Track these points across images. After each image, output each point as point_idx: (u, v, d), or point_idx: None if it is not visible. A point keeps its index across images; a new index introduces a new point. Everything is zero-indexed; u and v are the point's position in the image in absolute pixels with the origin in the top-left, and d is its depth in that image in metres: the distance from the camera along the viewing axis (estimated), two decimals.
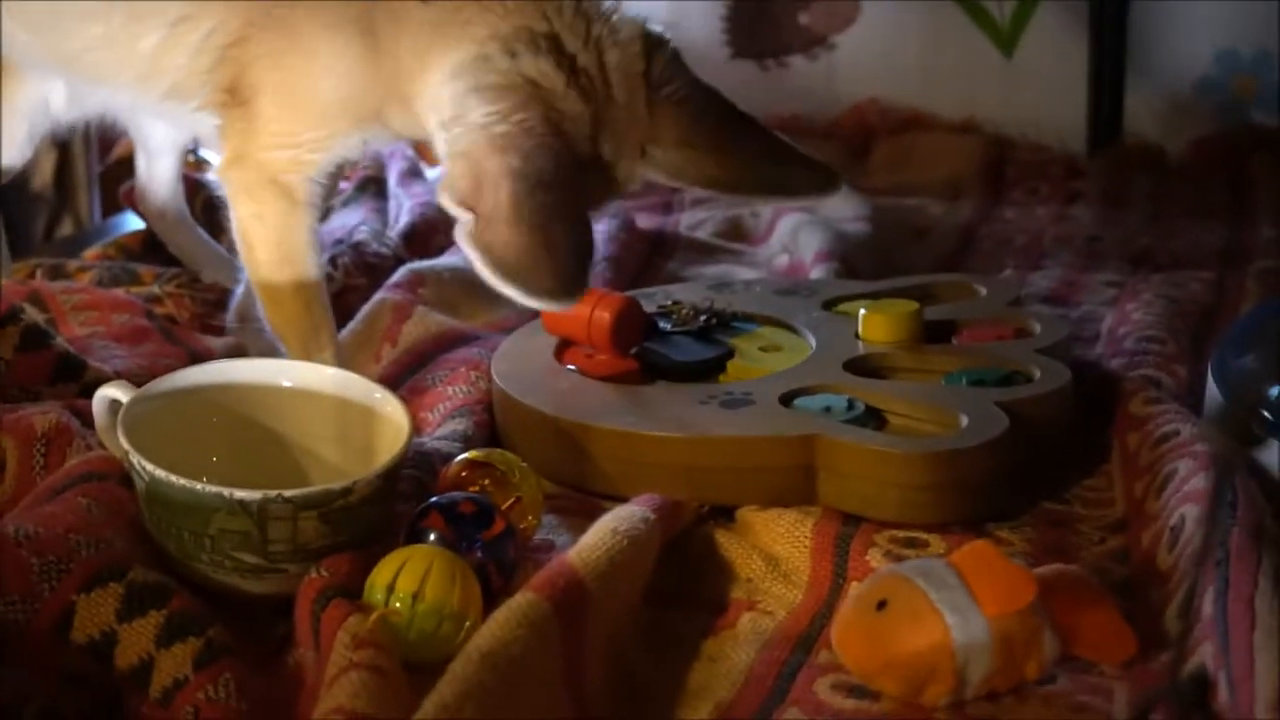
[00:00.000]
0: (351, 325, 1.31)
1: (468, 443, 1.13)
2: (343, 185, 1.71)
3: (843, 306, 1.29)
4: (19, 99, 1.32)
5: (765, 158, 1.16)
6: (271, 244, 1.18)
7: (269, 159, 1.16)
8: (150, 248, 1.53)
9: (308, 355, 1.17)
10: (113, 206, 1.79)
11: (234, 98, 1.16)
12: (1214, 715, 0.79)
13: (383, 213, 1.62)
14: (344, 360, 1.19)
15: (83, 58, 1.23)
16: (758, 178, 1.17)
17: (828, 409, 1.11)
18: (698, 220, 1.72)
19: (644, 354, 1.21)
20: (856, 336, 1.23)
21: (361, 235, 1.52)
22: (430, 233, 1.55)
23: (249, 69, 1.15)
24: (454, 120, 1.09)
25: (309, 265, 1.19)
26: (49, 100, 1.34)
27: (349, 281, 1.43)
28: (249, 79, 1.15)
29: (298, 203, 1.17)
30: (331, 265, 1.44)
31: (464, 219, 1.05)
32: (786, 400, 1.13)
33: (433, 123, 1.11)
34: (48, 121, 1.36)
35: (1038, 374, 1.16)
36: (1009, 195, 1.85)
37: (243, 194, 1.18)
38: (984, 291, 1.33)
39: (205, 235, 1.48)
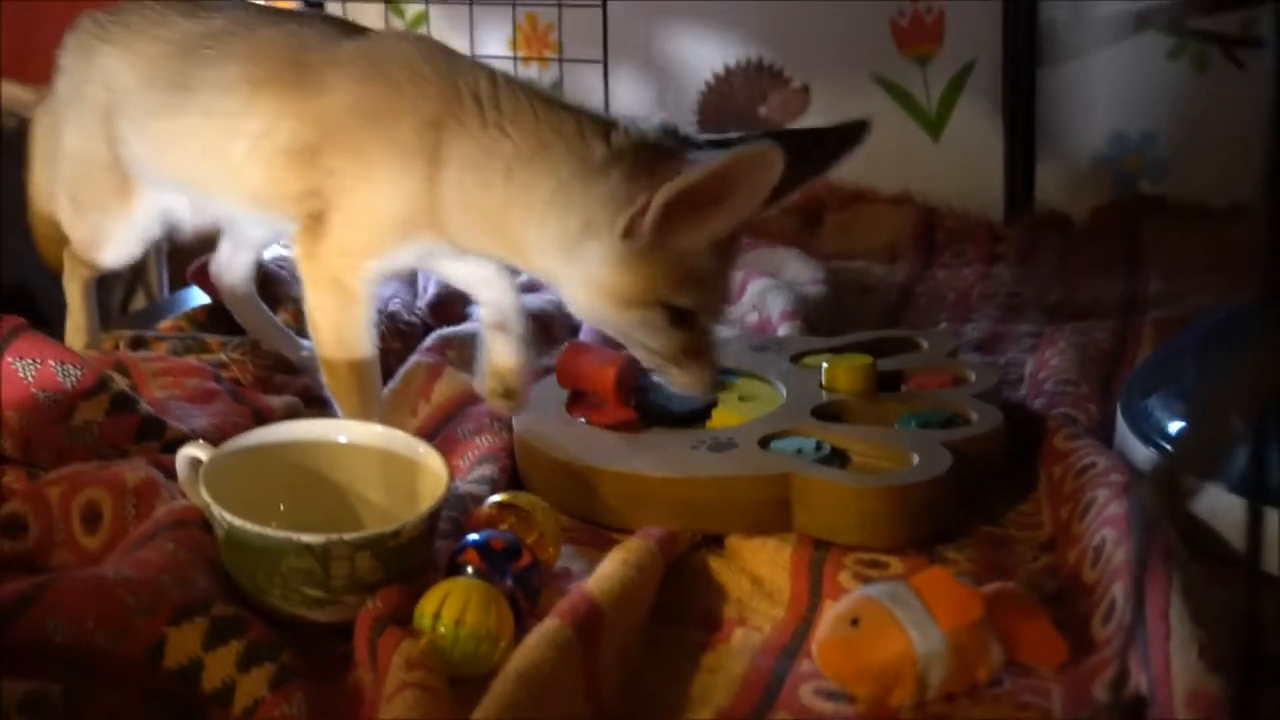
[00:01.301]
0: (391, 385, 1.30)
1: (494, 486, 1.13)
2: None
3: (808, 360, 1.29)
4: (137, 210, 1.30)
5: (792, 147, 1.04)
6: (331, 329, 1.16)
7: (331, 262, 1.14)
8: (215, 319, 1.52)
9: (356, 417, 1.15)
10: (179, 282, 1.78)
11: (304, 207, 1.15)
12: None
13: (413, 284, 1.61)
14: (385, 417, 1.18)
15: (191, 170, 1.22)
16: (802, 163, 1.05)
17: (799, 450, 1.11)
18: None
19: (641, 405, 1.21)
20: (821, 386, 1.23)
21: (395, 306, 1.51)
22: (453, 302, 1.54)
23: (319, 183, 1.13)
24: (567, 253, 1.05)
25: (362, 348, 1.17)
26: (164, 210, 1.32)
27: (385, 346, 1.42)
28: (320, 193, 1.13)
29: (355, 299, 1.15)
30: None
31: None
32: (764, 443, 1.13)
33: (534, 252, 1.08)
34: (159, 228, 1.33)
35: (975, 416, 1.17)
36: (940, 258, 1.85)
37: (310, 285, 1.16)
38: (925, 344, 1.34)
39: (268, 311, 1.47)
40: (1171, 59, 1.93)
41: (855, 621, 0.89)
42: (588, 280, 1.05)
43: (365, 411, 1.16)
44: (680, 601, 1.00)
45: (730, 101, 2.11)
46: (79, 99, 1.28)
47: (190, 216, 1.33)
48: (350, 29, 1.20)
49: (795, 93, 2.07)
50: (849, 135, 1.11)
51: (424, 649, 0.87)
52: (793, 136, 1.13)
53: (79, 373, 1.14)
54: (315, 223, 1.14)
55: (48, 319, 1.67)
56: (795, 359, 1.30)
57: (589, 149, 1.05)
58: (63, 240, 1.39)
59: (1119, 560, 0.96)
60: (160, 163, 1.25)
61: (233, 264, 1.43)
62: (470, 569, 0.95)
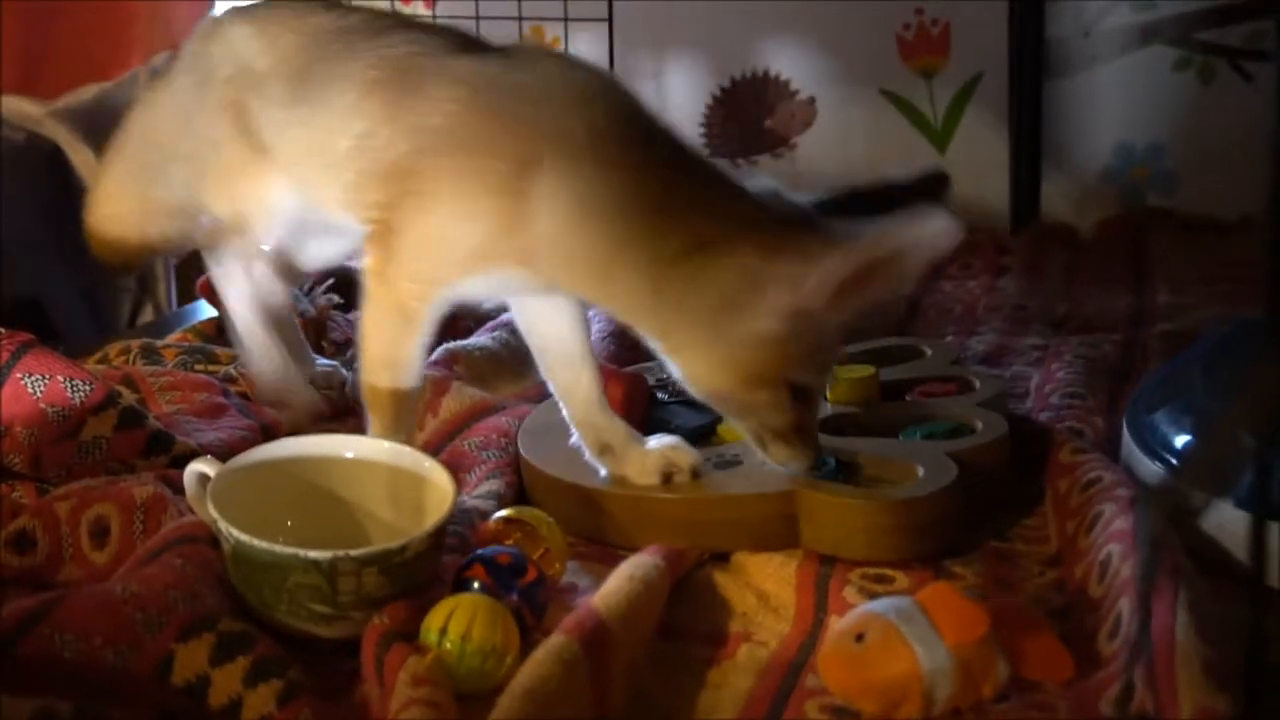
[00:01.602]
0: None
1: (500, 500, 1.13)
2: None
3: None
4: (268, 187, 1.23)
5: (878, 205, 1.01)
6: (382, 348, 1.12)
7: (399, 285, 1.09)
8: (223, 332, 1.53)
9: (385, 436, 1.11)
10: (187, 296, 1.79)
11: (382, 221, 1.10)
12: None
13: None
14: (410, 441, 1.13)
15: (298, 162, 1.19)
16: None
17: None
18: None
19: (647, 421, 1.21)
20: (824, 399, 1.23)
21: None
22: (458, 316, 1.55)
23: (401, 200, 1.08)
24: (699, 325, 1.01)
25: (410, 376, 1.12)
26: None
27: None
28: (398, 210, 1.09)
29: (414, 325, 1.10)
30: None
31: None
32: None
33: (647, 313, 1.03)
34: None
35: (980, 425, 1.17)
36: (946, 270, 1.85)
37: (372, 303, 1.11)
38: (929, 352, 1.34)
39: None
40: (1178, 71, 1.94)
41: (861, 637, 0.89)
42: (718, 356, 1.01)
43: (393, 434, 1.11)
44: (686, 617, 1.01)
45: (736, 114, 2.11)
46: (209, 79, 1.24)
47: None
48: (478, 45, 1.15)
49: (802, 105, 2.08)
50: (930, 187, 1.06)
51: (430, 665, 0.87)
52: (876, 195, 1.05)
53: (88, 388, 1.14)
54: (387, 238, 1.09)
55: (57, 333, 1.68)
56: None
57: (731, 214, 1.00)
58: (127, 246, 1.35)
59: (1125, 575, 0.96)
60: (276, 150, 1.21)
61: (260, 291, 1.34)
62: (476, 584, 0.96)
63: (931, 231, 0.95)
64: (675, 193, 1.01)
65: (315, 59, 1.17)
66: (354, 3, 1.97)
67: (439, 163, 1.07)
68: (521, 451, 1.19)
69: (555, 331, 1.15)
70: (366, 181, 1.11)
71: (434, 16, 2.13)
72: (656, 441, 1.13)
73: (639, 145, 1.03)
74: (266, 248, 1.29)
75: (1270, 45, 1.89)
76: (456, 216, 1.06)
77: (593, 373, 1.14)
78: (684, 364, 1.04)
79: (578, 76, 1.08)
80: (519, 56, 1.11)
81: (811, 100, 2.07)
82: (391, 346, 1.12)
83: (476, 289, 1.11)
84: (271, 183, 1.22)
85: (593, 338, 1.32)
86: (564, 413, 1.16)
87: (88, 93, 1.83)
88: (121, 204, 1.34)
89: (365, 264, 1.12)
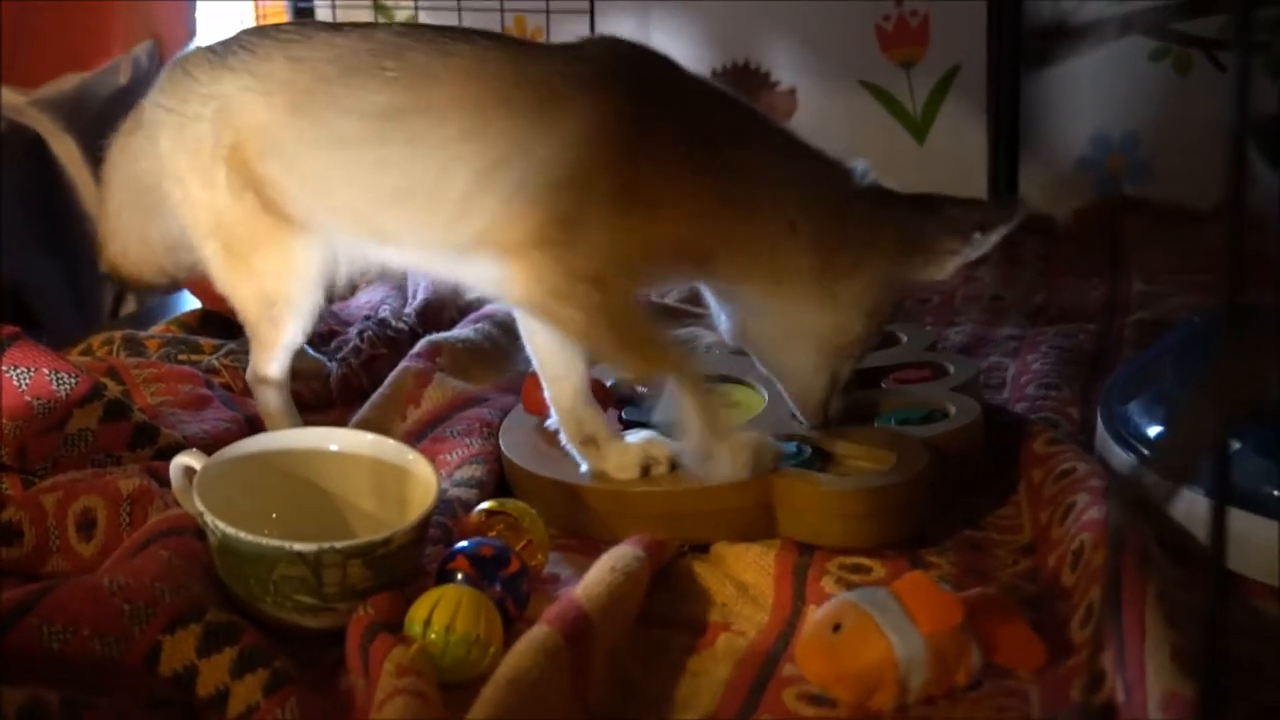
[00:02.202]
0: (380, 390, 1.31)
1: (482, 488, 1.14)
2: None
3: None
4: (299, 256, 1.16)
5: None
6: (607, 328, 1.07)
7: (582, 289, 1.05)
8: (205, 323, 1.54)
9: (676, 370, 1.08)
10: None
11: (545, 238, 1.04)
12: None
13: (402, 290, 1.62)
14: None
15: (373, 211, 1.10)
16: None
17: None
18: (665, 289, 1.72)
19: (625, 416, 1.22)
20: None
21: (384, 313, 1.52)
22: (441, 308, 1.56)
23: (585, 211, 1.04)
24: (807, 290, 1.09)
25: (662, 336, 1.11)
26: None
27: (373, 352, 1.44)
28: (581, 221, 1.04)
29: (617, 306, 1.07)
30: (359, 339, 1.45)
31: None
32: None
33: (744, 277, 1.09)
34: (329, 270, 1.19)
35: (953, 410, 1.19)
36: None
37: (573, 313, 1.06)
38: (905, 338, 1.35)
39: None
40: (1154, 62, 1.95)
41: (837, 627, 0.90)
42: (817, 319, 1.09)
43: (676, 355, 1.09)
44: (666, 606, 1.02)
45: None
46: (194, 146, 1.14)
47: (345, 266, 1.18)
48: (527, 44, 1.14)
49: (782, 96, 2.09)
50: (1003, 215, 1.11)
51: (415, 655, 0.88)
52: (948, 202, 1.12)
53: (73, 381, 1.15)
54: (562, 252, 1.04)
55: (41, 322, 1.68)
56: None
57: (841, 188, 1.08)
58: (145, 268, 1.31)
59: (1097, 564, 0.97)
60: (327, 204, 1.11)
61: None
62: (460, 576, 0.97)
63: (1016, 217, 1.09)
64: (794, 173, 1.08)
65: (362, 89, 1.07)
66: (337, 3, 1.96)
67: (622, 161, 1.03)
68: (503, 448, 1.20)
69: None
70: (523, 212, 1.04)
71: (416, 8, 2.13)
72: (634, 437, 1.14)
73: (749, 126, 1.10)
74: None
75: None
76: (653, 210, 1.05)
77: (585, 364, 1.15)
78: (766, 322, 1.11)
79: (658, 58, 1.11)
80: (597, 46, 1.13)
81: (792, 91, 2.08)
82: (613, 323, 1.07)
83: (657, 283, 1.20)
84: (299, 247, 1.15)
85: None
86: (549, 401, 1.16)
87: (69, 82, 1.83)
88: (126, 241, 1.31)
89: (526, 291, 1.06)
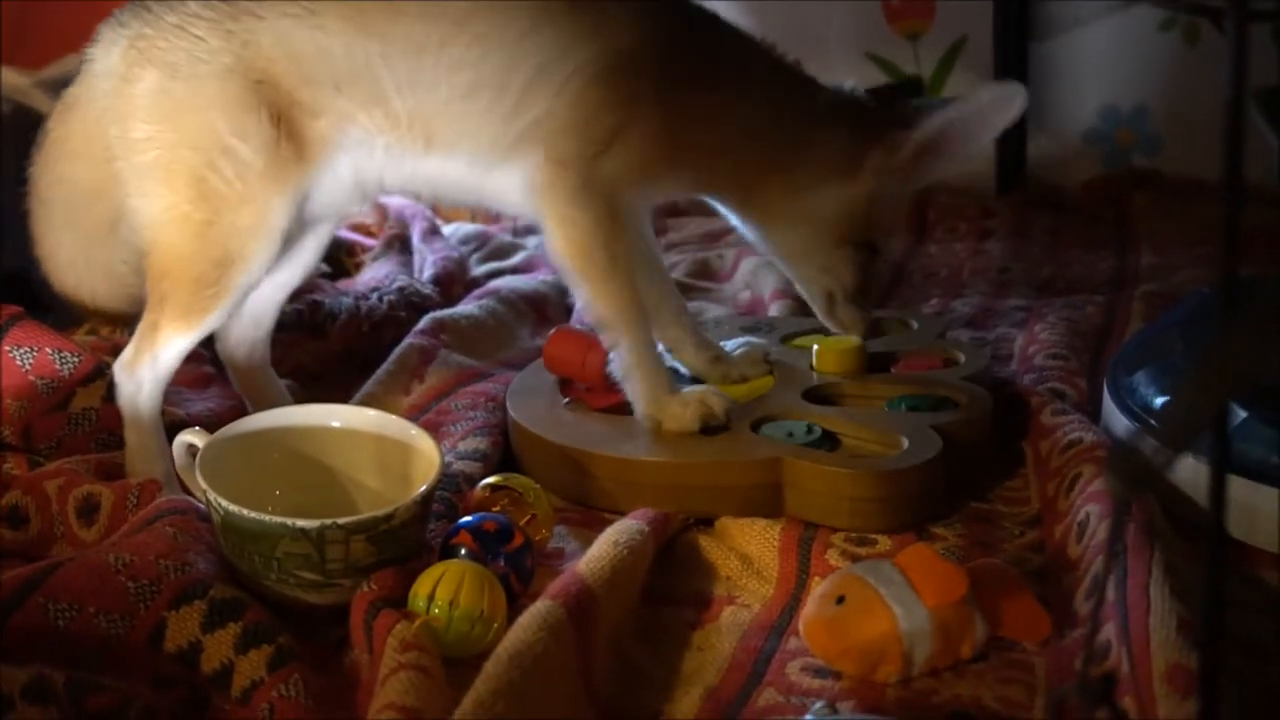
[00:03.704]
0: (384, 366, 1.31)
1: (486, 461, 1.14)
2: (371, 242, 1.72)
3: (798, 341, 1.30)
4: (301, 185, 1.13)
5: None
6: (600, 247, 1.13)
7: (603, 190, 1.13)
8: None
9: (635, 336, 1.13)
10: None
11: (596, 133, 1.12)
12: (1120, 713, 0.79)
13: (408, 266, 1.61)
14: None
15: (437, 115, 1.12)
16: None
17: (790, 434, 1.12)
18: (672, 262, 1.71)
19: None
20: (811, 368, 1.24)
21: (403, 280, 1.51)
22: (450, 283, 1.55)
23: (621, 116, 1.12)
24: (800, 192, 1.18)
25: (627, 268, 1.14)
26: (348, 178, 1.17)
27: (395, 315, 1.43)
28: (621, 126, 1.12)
29: (620, 223, 1.14)
30: (378, 300, 1.44)
31: None
32: (756, 426, 1.14)
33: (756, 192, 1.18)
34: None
35: (964, 399, 1.18)
36: (932, 234, 1.86)
37: (578, 214, 1.12)
38: (916, 325, 1.35)
39: (279, 383, 1.30)
40: (1162, 32, 1.94)
41: (841, 599, 0.90)
42: (815, 217, 1.16)
43: (634, 316, 1.14)
44: (671, 581, 1.02)
45: None
46: (201, 83, 1.10)
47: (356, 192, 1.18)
48: None
49: None
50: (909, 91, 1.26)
51: (418, 630, 0.88)
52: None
53: (76, 360, 1.15)
54: (594, 147, 1.12)
55: (45, 305, 1.68)
56: (786, 339, 1.31)
57: (819, 100, 1.18)
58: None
59: (1102, 536, 0.97)
60: (382, 114, 1.12)
61: (241, 339, 1.26)
62: (463, 551, 0.97)
63: (1000, 96, 1.12)
64: (776, 90, 1.19)
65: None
66: None
67: (673, 87, 1.14)
68: (510, 412, 1.20)
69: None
70: (576, 102, 1.12)
71: None
72: (690, 390, 1.16)
73: (758, 58, 1.20)
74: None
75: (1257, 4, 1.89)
76: (683, 114, 1.14)
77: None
78: (776, 228, 1.19)
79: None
80: None
81: (797, 64, 2.06)
82: (607, 244, 1.13)
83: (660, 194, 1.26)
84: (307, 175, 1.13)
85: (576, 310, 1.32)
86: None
87: (72, 63, 1.83)
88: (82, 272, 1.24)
89: (547, 192, 1.13)
